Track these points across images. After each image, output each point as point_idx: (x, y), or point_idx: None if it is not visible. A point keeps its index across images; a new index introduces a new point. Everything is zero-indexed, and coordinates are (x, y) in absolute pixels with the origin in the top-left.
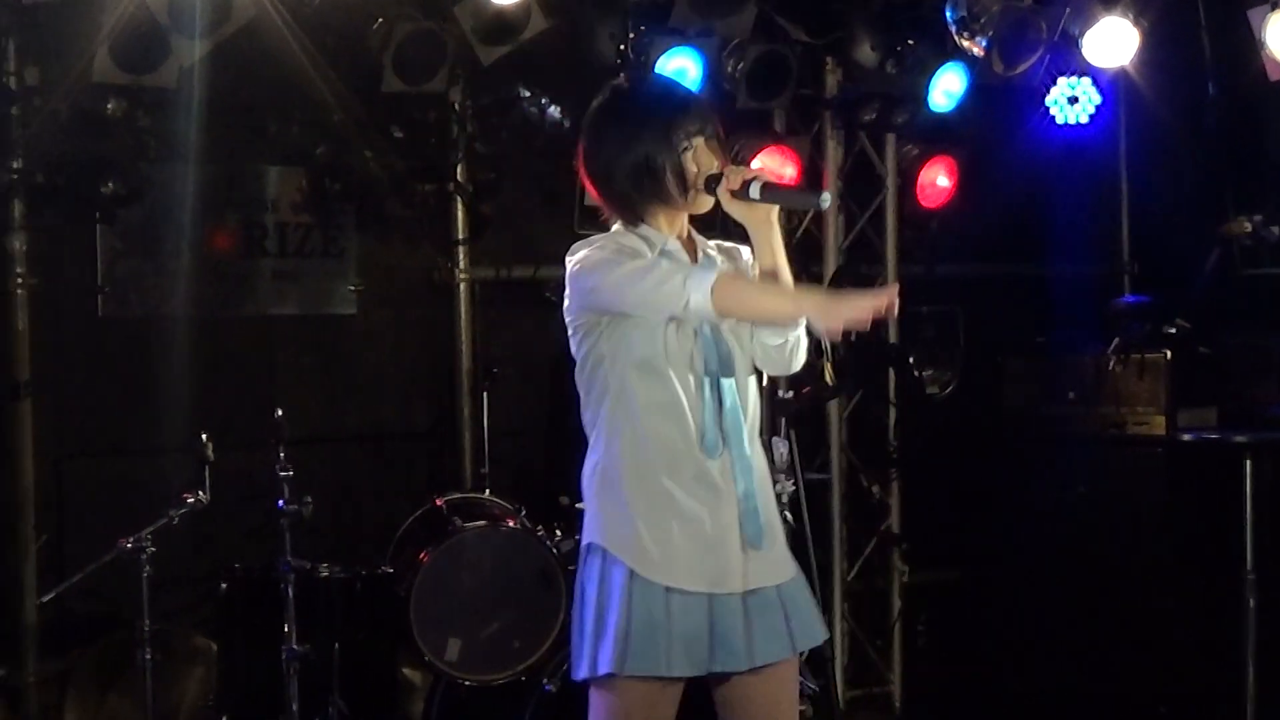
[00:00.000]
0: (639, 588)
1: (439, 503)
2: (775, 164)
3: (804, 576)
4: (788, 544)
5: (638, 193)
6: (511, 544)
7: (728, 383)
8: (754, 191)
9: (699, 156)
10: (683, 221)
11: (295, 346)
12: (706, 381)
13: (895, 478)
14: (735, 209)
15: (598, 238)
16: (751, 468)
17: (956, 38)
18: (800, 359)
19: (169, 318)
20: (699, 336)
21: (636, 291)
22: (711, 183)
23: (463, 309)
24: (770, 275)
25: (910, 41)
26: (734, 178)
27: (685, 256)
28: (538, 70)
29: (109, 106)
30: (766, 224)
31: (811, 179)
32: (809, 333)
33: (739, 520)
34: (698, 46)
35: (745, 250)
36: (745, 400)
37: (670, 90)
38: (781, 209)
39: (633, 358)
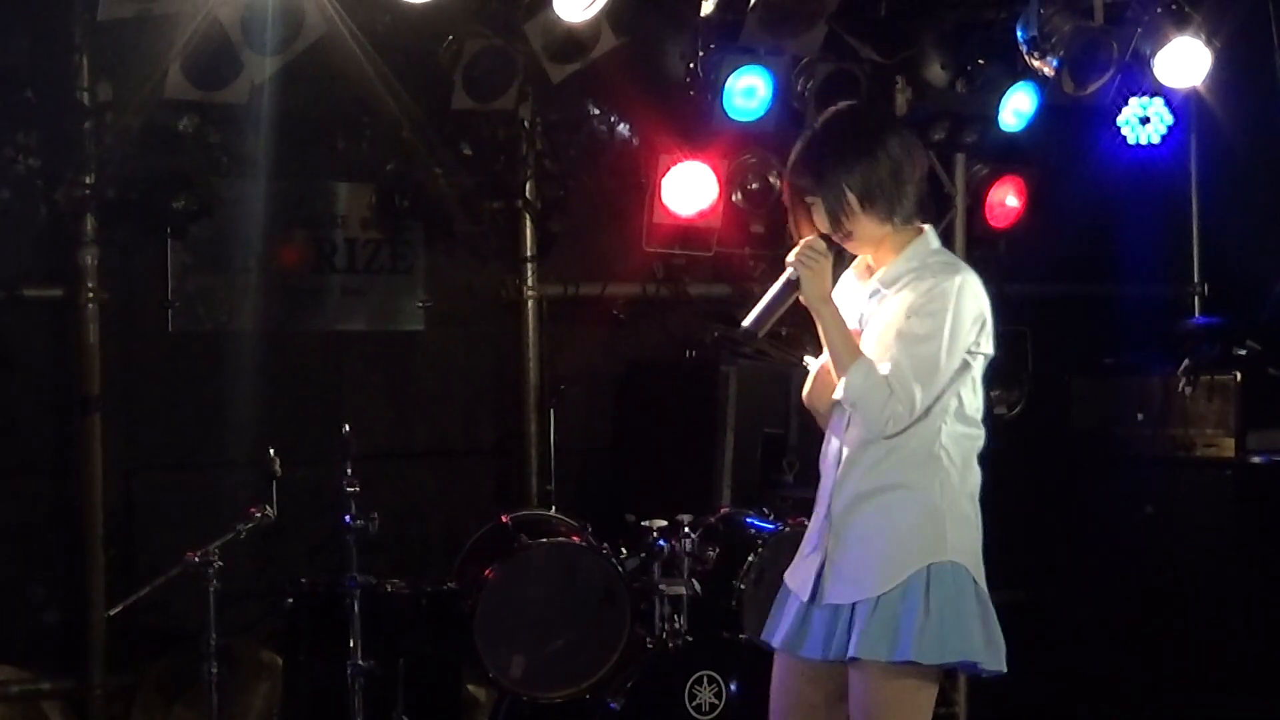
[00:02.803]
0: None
1: (505, 519)
2: None
3: (870, 607)
4: (852, 577)
5: None
6: (577, 561)
7: (839, 423)
8: (788, 271)
9: (799, 213)
10: (868, 252)
11: (363, 362)
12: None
13: None
14: None
15: None
16: (838, 499)
17: (1027, 57)
18: (869, 422)
19: (238, 333)
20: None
21: None
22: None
23: (530, 326)
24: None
25: (980, 61)
26: (795, 251)
27: (852, 285)
28: (607, 88)
29: (181, 123)
30: (815, 302)
31: None
32: None
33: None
34: (767, 65)
35: (903, 292)
36: (846, 444)
37: (805, 140)
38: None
39: None
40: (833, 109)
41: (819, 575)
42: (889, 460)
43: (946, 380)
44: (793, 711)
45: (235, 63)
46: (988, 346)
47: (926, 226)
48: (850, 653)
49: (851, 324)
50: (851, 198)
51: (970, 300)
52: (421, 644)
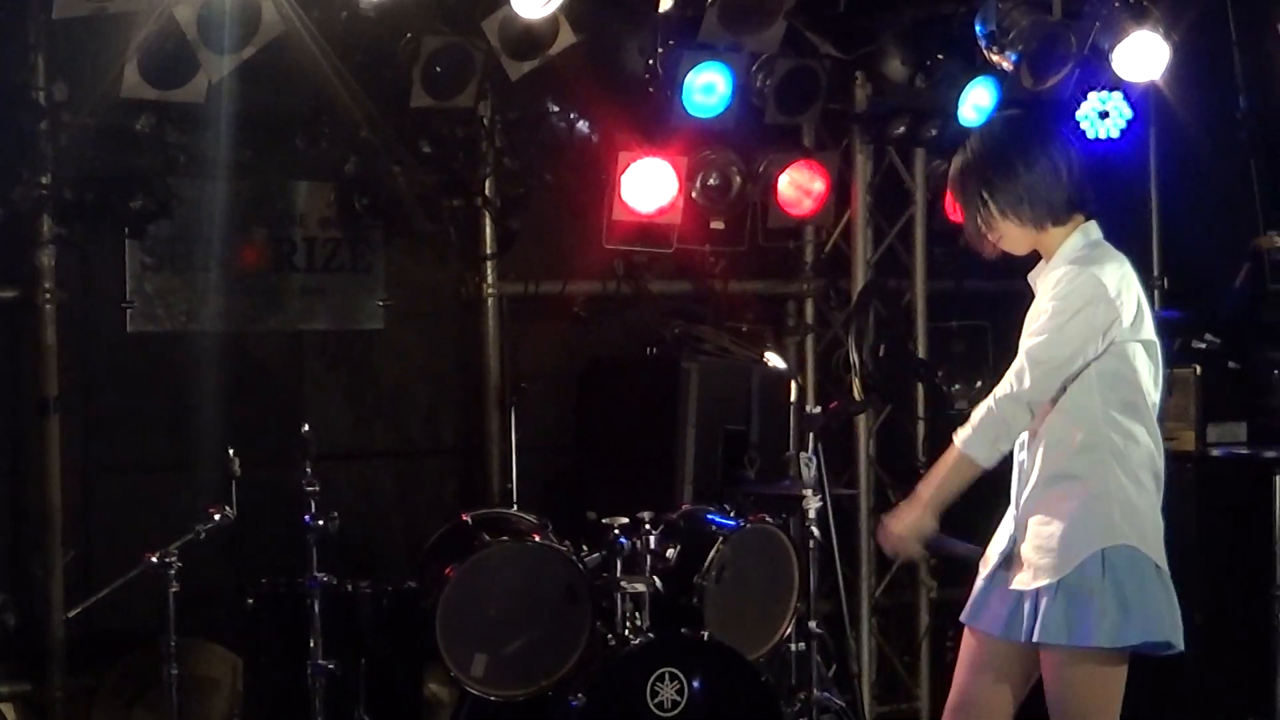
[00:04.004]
0: None
1: (465, 518)
2: (804, 179)
3: (1051, 592)
4: (1033, 563)
5: None
6: (538, 559)
7: None
8: None
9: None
10: (1023, 253)
11: (323, 361)
12: None
13: None
14: None
15: None
16: (1022, 490)
17: (986, 52)
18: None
19: (197, 333)
20: None
21: None
22: None
23: (491, 324)
24: None
25: (940, 56)
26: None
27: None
28: (566, 85)
29: (138, 122)
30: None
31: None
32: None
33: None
34: (726, 61)
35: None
36: (1028, 440)
37: (957, 156)
38: None
39: None
40: (987, 121)
41: (1004, 557)
42: (1057, 451)
43: (1062, 363)
44: (968, 677)
45: (192, 62)
46: (1138, 333)
47: (1087, 222)
48: (1035, 637)
49: None
50: (993, 209)
51: (1085, 287)
52: (383, 643)
